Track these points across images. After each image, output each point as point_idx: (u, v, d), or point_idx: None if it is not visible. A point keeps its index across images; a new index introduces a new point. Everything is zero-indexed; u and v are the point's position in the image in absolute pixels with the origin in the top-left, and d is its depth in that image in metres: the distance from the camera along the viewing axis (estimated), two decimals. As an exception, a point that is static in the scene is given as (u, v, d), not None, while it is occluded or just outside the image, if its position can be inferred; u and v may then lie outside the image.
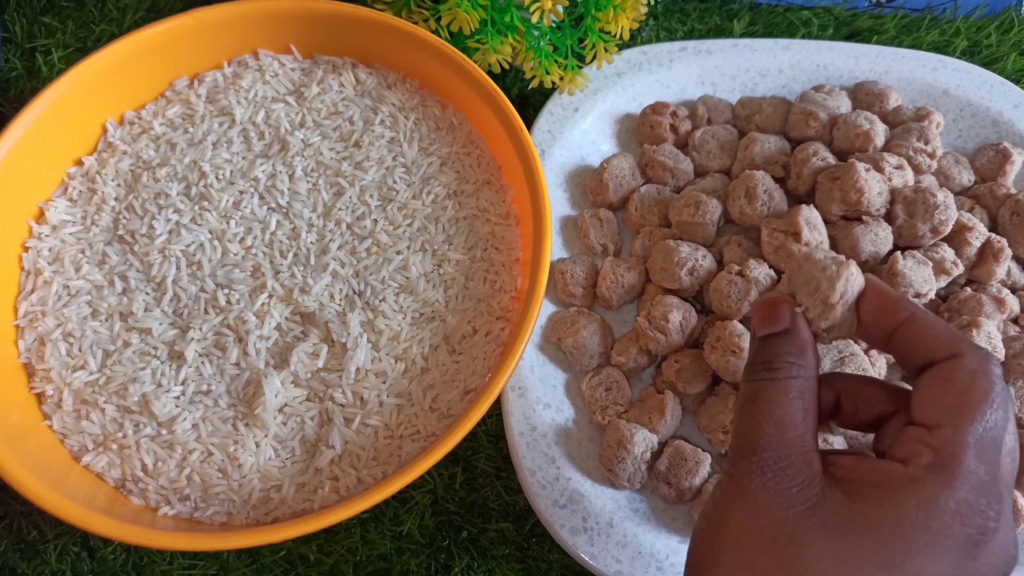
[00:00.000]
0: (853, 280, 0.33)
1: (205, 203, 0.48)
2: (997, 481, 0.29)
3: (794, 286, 0.34)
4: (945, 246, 0.48)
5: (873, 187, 0.47)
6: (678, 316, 0.47)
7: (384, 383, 0.45)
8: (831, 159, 0.51)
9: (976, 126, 0.57)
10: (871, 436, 0.37)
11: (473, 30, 0.49)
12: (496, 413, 0.50)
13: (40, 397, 0.45)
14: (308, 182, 0.49)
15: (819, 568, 0.28)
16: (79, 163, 0.50)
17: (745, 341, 0.45)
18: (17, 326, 0.46)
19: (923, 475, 0.29)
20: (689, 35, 0.64)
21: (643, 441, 0.46)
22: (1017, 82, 0.60)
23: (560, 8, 0.49)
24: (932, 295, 0.47)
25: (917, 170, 0.51)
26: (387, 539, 0.48)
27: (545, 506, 0.46)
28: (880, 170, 0.49)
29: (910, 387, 0.32)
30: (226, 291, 0.46)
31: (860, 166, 0.47)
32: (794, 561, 0.29)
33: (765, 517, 0.30)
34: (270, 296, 0.46)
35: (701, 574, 0.31)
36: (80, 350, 0.45)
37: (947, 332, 0.32)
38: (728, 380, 0.47)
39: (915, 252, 0.47)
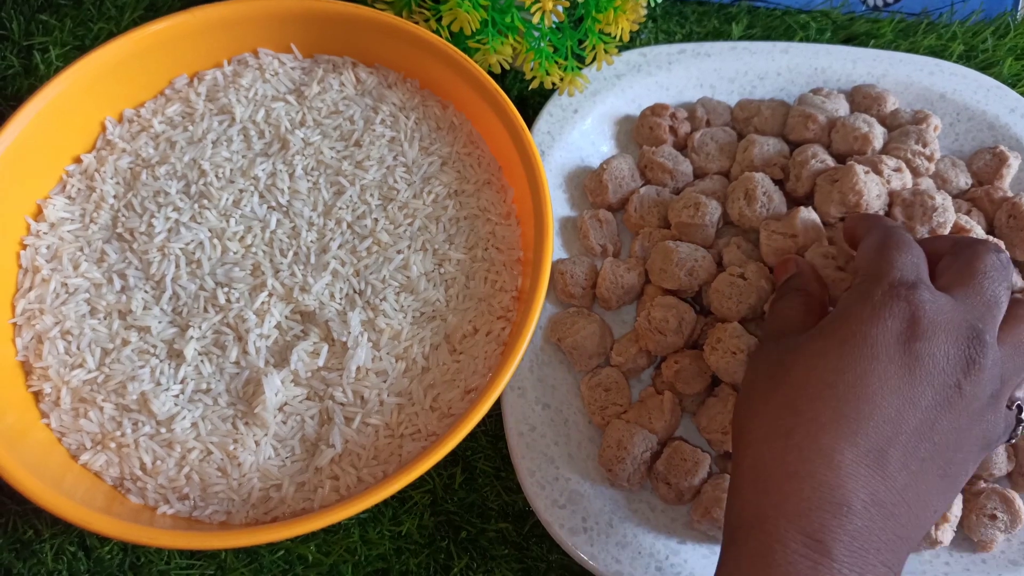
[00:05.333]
0: None
1: (205, 201, 0.48)
2: (919, 282, 0.36)
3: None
4: (943, 248, 0.48)
5: (872, 189, 0.47)
6: (677, 317, 0.48)
7: (385, 382, 0.44)
8: (830, 161, 0.51)
9: (973, 130, 0.57)
10: None
11: (474, 30, 0.49)
12: (495, 413, 0.50)
13: (38, 395, 0.44)
14: (308, 181, 0.49)
15: (796, 368, 0.35)
16: (78, 161, 0.50)
17: (744, 343, 0.45)
18: (15, 324, 0.45)
19: (858, 283, 0.37)
20: (688, 38, 0.64)
21: (642, 441, 0.46)
22: (1013, 86, 0.61)
23: (560, 9, 0.49)
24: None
25: (915, 173, 0.51)
26: (386, 539, 0.48)
27: (544, 506, 0.46)
28: (879, 173, 0.49)
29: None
30: (226, 289, 0.46)
31: (859, 168, 0.47)
32: (780, 374, 0.36)
33: (762, 360, 0.39)
34: (270, 295, 0.46)
35: (733, 430, 0.38)
36: (78, 348, 0.44)
37: (876, 219, 0.44)
38: (728, 381, 0.47)
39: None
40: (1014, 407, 0.39)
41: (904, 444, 0.33)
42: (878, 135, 0.52)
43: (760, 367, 0.38)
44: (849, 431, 0.32)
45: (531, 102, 0.60)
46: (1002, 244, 0.48)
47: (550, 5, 0.49)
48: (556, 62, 0.53)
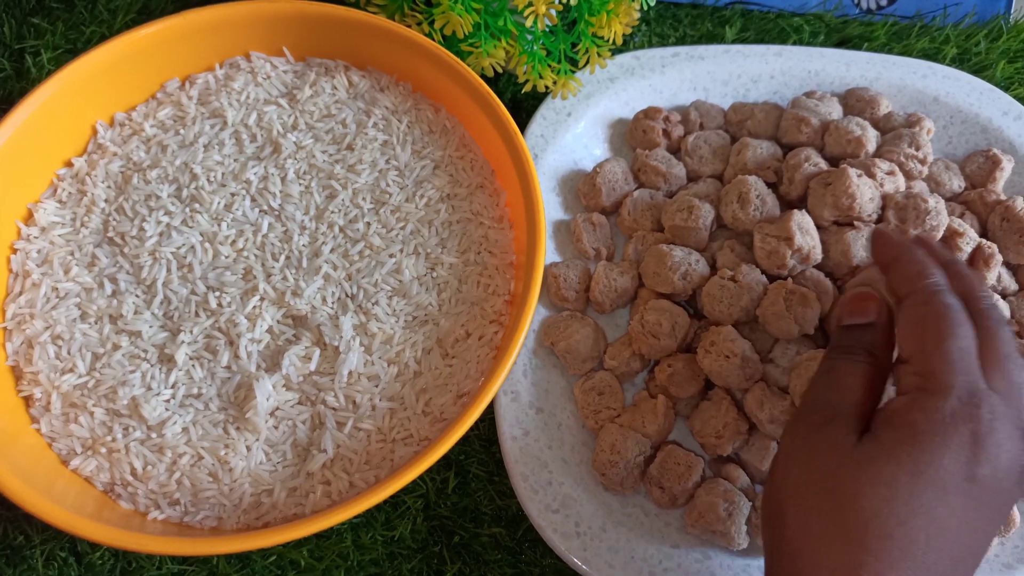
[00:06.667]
0: None
1: (196, 205, 0.48)
2: (978, 389, 0.33)
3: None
4: (936, 251, 0.48)
5: (865, 193, 0.47)
6: (671, 320, 0.47)
7: (377, 387, 0.44)
8: (823, 165, 0.51)
9: (966, 133, 0.57)
10: None
11: (466, 34, 0.49)
12: (488, 417, 0.50)
13: (28, 400, 0.44)
14: (300, 185, 0.49)
15: (865, 496, 0.33)
16: (69, 164, 0.49)
17: (738, 346, 0.45)
18: (5, 328, 0.45)
19: (918, 396, 0.34)
20: (681, 41, 0.64)
21: (636, 445, 0.46)
22: (1006, 89, 0.61)
23: (553, 12, 0.49)
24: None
25: (908, 176, 0.51)
26: (379, 544, 0.47)
27: (538, 511, 0.46)
28: (872, 176, 0.49)
29: None
30: (217, 294, 0.46)
31: (852, 172, 0.47)
32: (846, 498, 0.33)
33: (816, 460, 0.35)
34: (262, 299, 0.46)
35: (775, 528, 0.35)
36: (69, 353, 0.44)
37: (914, 270, 0.37)
38: (721, 384, 0.47)
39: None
40: None
41: (964, 568, 0.33)
42: (871, 138, 0.52)
43: (812, 470, 0.35)
44: (918, 568, 0.32)
45: (524, 105, 0.60)
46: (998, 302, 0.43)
47: (543, 8, 0.48)
48: (549, 65, 0.53)
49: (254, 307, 0.45)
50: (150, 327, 0.45)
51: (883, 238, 0.41)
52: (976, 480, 0.33)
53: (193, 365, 0.44)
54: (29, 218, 0.47)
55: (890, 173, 0.50)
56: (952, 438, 0.33)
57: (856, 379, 0.37)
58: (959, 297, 0.37)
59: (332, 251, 0.47)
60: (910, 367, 0.35)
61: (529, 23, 0.49)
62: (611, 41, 0.53)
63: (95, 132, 0.50)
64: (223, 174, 0.49)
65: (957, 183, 0.54)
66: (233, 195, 0.48)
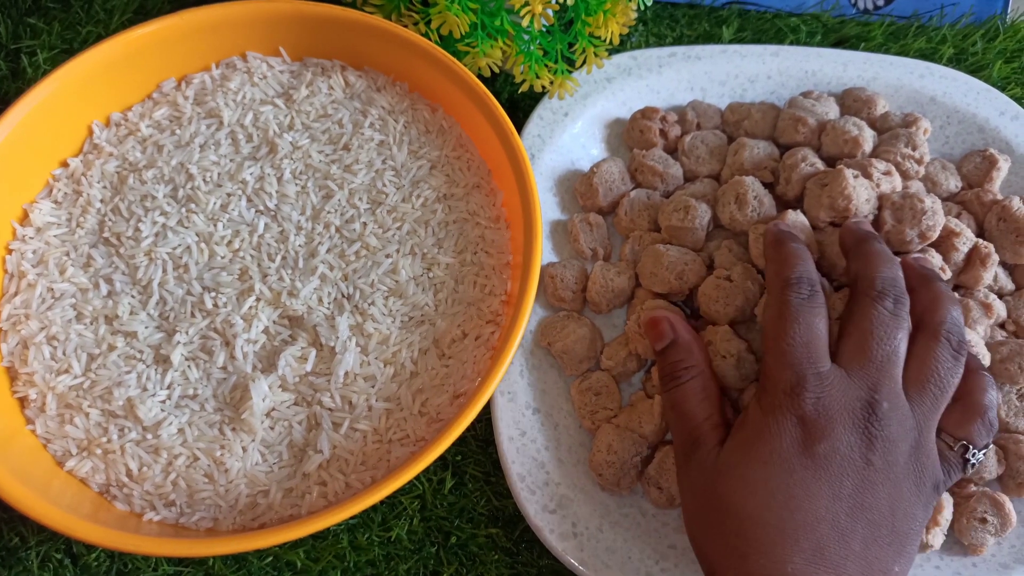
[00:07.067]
0: None
1: (192, 205, 0.48)
2: (805, 377, 0.38)
3: None
4: (933, 251, 0.48)
5: (861, 193, 0.47)
6: (668, 320, 0.47)
7: (373, 387, 0.44)
8: (820, 165, 0.51)
9: (962, 132, 0.57)
10: None
11: (463, 33, 0.49)
12: (485, 418, 0.50)
13: (23, 401, 0.44)
14: (297, 185, 0.49)
15: (736, 499, 0.37)
16: (64, 165, 0.49)
17: (734, 346, 0.45)
18: (0, 329, 0.45)
19: (759, 393, 0.40)
20: (678, 41, 0.64)
21: (633, 446, 0.46)
22: (1003, 89, 0.61)
23: (550, 12, 0.49)
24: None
25: (905, 176, 0.51)
26: (375, 545, 0.47)
27: (534, 511, 0.46)
28: (868, 176, 0.49)
29: None
30: (213, 294, 0.45)
31: (848, 173, 0.47)
32: (723, 507, 0.38)
33: (695, 485, 0.40)
34: (257, 299, 0.45)
35: (694, 546, 0.40)
36: (64, 353, 0.44)
37: (774, 268, 0.42)
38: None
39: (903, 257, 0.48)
40: (957, 447, 0.40)
41: (840, 534, 0.36)
42: (868, 138, 0.52)
43: (696, 494, 0.40)
44: (792, 541, 0.36)
45: (522, 105, 0.60)
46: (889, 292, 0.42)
47: (539, 8, 0.48)
48: (546, 65, 0.53)
49: (250, 307, 0.45)
50: (146, 328, 0.45)
51: (768, 236, 0.45)
52: (816, 456, 0.37)
53: (189, 366, 0.44)
54: (24, 218, 0.47)
55: (887, 173, 0.49)
56: (782, 426, 0.38)
57: (693, 402, 0.42)
58: (855, 277, 0.42)
59: (328, 251, 0.47)
60: (761, 365, 0.41)
61: (526, 23, 0.49)
62: (608, 41, 0.53)
63: (91, 132, 0.50)
64: (219, 174, 0.49)
65: (954, 183, 0.54)
66: (229, 195, 0.48)
